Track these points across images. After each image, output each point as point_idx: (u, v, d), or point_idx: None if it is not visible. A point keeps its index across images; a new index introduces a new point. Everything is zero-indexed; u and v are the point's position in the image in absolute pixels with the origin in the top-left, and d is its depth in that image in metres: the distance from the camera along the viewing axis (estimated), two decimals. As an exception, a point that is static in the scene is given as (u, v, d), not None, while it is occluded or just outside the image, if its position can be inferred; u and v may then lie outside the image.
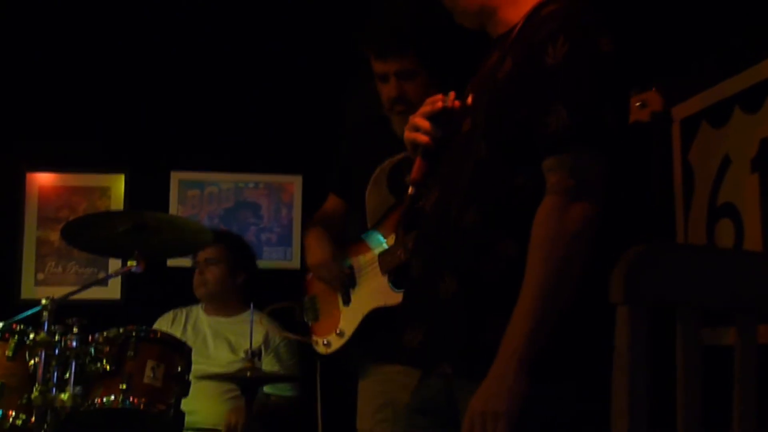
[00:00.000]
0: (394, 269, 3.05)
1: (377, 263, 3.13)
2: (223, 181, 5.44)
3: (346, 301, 3.26)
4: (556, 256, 1.95)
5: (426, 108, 2.29)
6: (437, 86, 2.40)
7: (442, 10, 2.40)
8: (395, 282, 3.05)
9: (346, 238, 3.36)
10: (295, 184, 5.43)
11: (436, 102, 2.29)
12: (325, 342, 3.29)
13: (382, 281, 3.10)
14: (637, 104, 2.82)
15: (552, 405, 2.01)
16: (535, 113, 2.03)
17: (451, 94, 2.29)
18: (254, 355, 3.92)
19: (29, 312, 3.52)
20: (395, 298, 3.00)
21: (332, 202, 3.53)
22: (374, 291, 3.13)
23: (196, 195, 5.42)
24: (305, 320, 3.42)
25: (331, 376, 3.49)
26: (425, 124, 2.27)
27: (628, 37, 2.21)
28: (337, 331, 3.25)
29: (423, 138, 2.27)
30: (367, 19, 3.19)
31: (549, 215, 1.98)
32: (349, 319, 3.24)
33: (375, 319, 3.14)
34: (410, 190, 2.30)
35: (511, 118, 2.08)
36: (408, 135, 2.31)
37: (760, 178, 3.07)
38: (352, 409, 3.38)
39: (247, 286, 4.76)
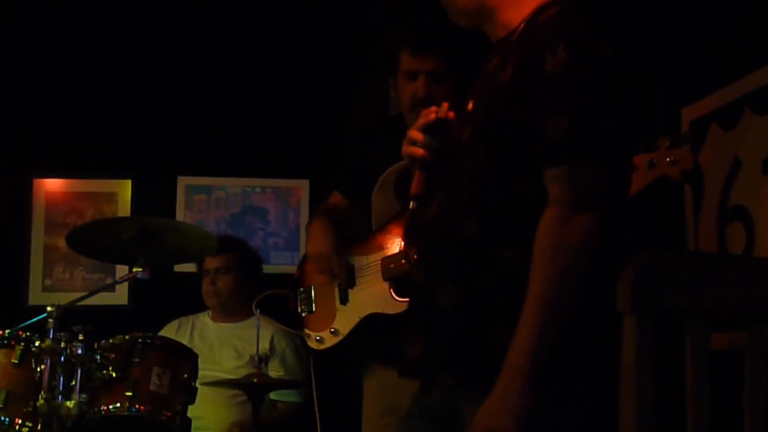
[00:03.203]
0: (396, 278, 3.02)
1: (379, 268, 3.10)
2: (230, 185, 5.43)
3: (344, 300, 3.22)
4: (557, 269, 1.93)
5: (421, 120, 2.27)
6: (461, 93, 2.37)
7: None
8: (397, 291, 3.02)
9: (350, 234, 3.32)
10: (302, 188, 5.40)
11: (430, 113, 2.27)
12: (318, 338, 3.26)
13: (383, 288, 3.07)
14: (668, 159, 2.85)
15: (557, 420, 1.99)
16: (535, 122, 1.99)
17: (444, 105, 2.27)
18: (261, 360, 3.90)
19: (35, 319, 3.50)
20: (395, 306, 2.99)
21: (337, 199, 3.50)
22: (374, 296, 3.10)
23: (203, 200, 5.40)
24: (299, 311, 3.37)
25: (332, 380, 3.48)
26: (420, 136, 2.26)
27: (636, 40, 2.18)
28: (332, 330, 3.22)
29: (419, 151, 2.25)
30: (406, 13, 3.16)
31: (551, 227, 1.95)
32: (345, 319, 3.21)
33: (371, 323, 3.11)
34: (411, 204, 2.28)
35: (510, 126, 2.04)
36: (405, 149, 2.29)
37: (772, 180, 3.04)
38: (354, 411, 3.37)
39: (255, 293, 4.72)
